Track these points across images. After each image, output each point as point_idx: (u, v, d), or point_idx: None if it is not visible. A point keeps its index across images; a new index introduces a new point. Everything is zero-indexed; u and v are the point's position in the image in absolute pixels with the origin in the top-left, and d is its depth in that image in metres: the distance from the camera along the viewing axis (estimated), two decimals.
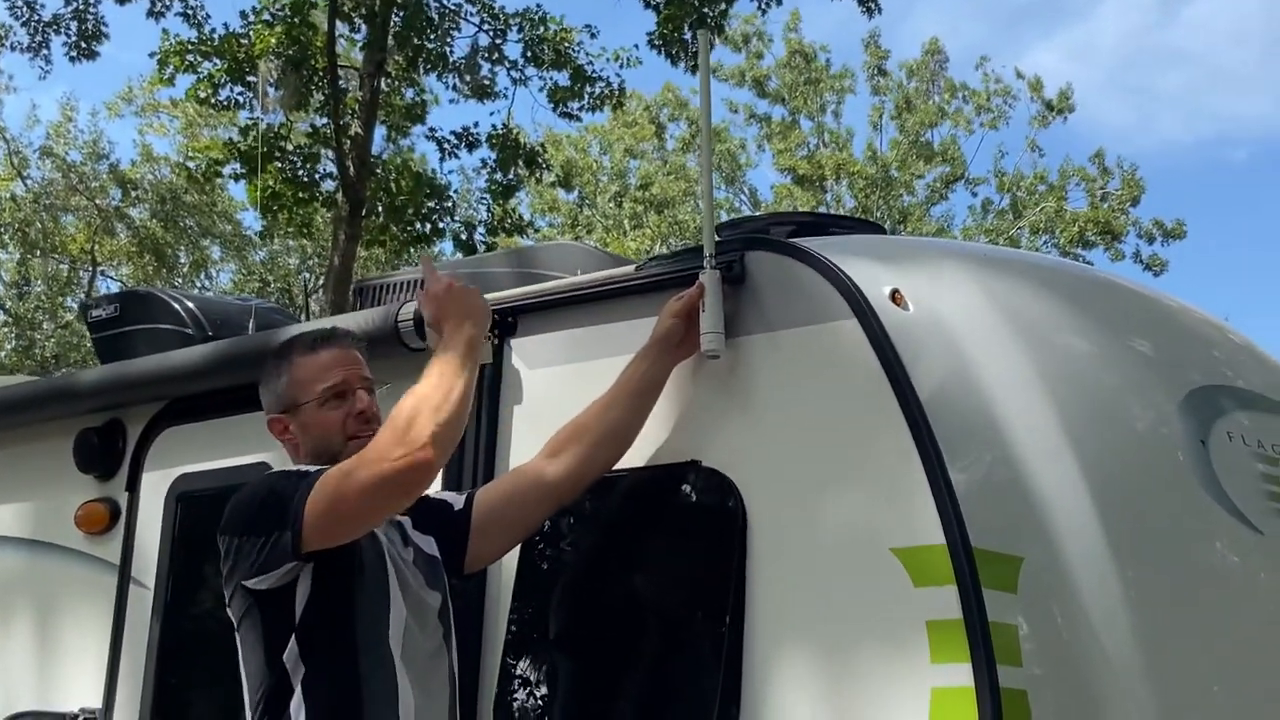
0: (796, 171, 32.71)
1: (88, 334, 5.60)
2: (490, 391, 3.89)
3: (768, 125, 33.61)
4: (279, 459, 4.28)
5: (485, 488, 3.63)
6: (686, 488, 3.50)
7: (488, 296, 3.96)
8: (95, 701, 4.70)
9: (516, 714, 3.59)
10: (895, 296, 3.31)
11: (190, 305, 5.40)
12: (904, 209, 32.56)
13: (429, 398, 3.14)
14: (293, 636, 3.16)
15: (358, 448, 3.22)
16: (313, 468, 3.26)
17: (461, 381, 3.21)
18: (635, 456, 3.54)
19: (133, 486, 4.84)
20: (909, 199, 33.05)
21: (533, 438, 3.73)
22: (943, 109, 33.01)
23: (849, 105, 34.71)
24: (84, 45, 17.78)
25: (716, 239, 3.54)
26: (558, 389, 3.80)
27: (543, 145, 20.89)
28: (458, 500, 3.54)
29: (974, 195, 33.44)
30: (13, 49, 18.07)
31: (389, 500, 3.15)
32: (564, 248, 5.02)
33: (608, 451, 3.51)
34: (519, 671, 3.63)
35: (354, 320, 4.07)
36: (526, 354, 3.90)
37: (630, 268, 3.85)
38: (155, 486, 4.76)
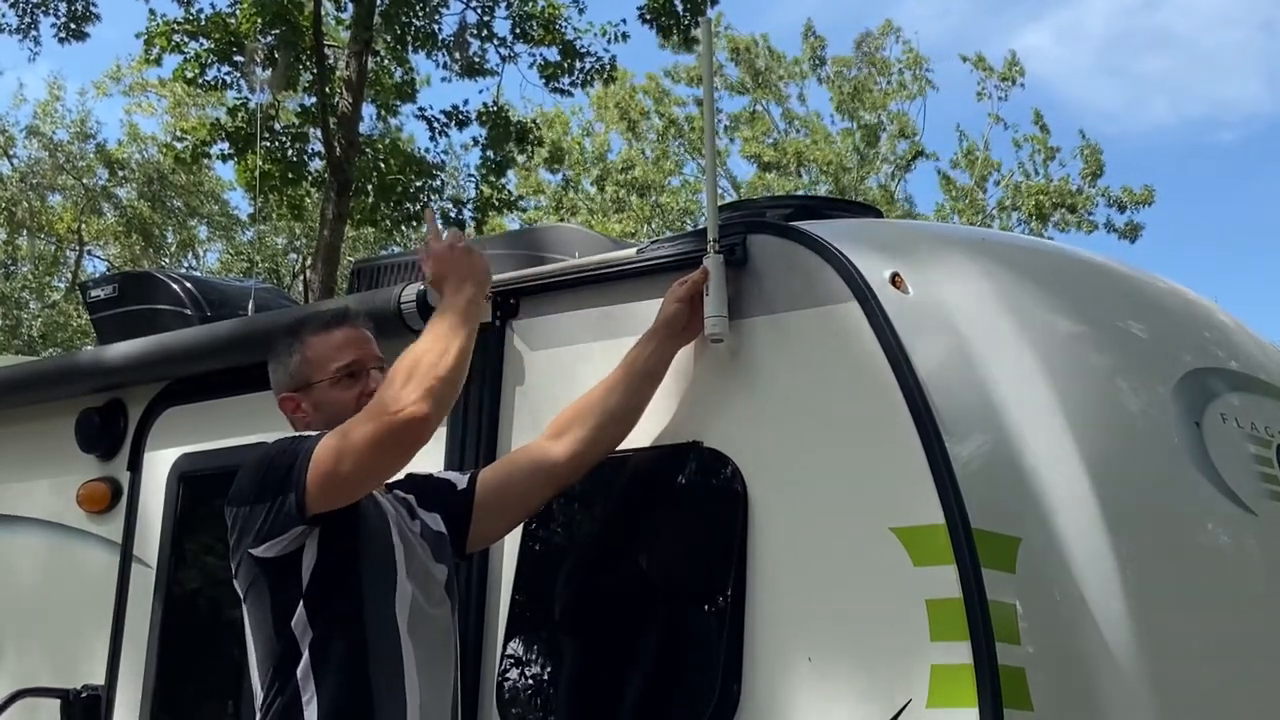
0: (762, 159, 32.68)
1: (74, 314, 5.63)
2: (491, 373, 3.91)
3: (732, 117, 33.60)
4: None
5: (488, 468, 3.65)
6: (688, 468, 3.53)
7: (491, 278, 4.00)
8: (98, 678, 4.73)
9: (518, 693, 3.62)
10: (895, 280, 3.34)
11: (189, 286, 5.43)
12: (875, 191, 32.51)
13: (426, 354, 3.18)
14: (300, 603, 3.19)
15: None
16: (314, 432, 3.29)
17: (459, 339, 3.24)
18: (637, 437, 3.56)
19: (134, 466, 4.87)
20: (876, 180, 33.00)
21: (533, 419, 3.77)
22: (885, 92, 32.95)
23: (813, 90, 34.58)
24: (73, 26, 17.72)
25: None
26: (559, 371, 3.83)
27: (535, 122, 20.83)
28: (461, 480, 3.57)
29: (938, 173, 33.45)
30: (1, 30, 17.99)
31: (388, 456, 3.18)
32: (561, 230, 5.04)
33: (611, 434, 3.53)
34: (521, 651, 3.66)
35: (356, 301, 4.10)
36: (528, 336, 3.92)
37: (632, 250, 3.88)
38: (157, 466, 4.78)
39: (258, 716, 3.23)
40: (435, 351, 3.19)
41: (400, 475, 3.45)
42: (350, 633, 3.20)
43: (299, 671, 3.17)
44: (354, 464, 3.12)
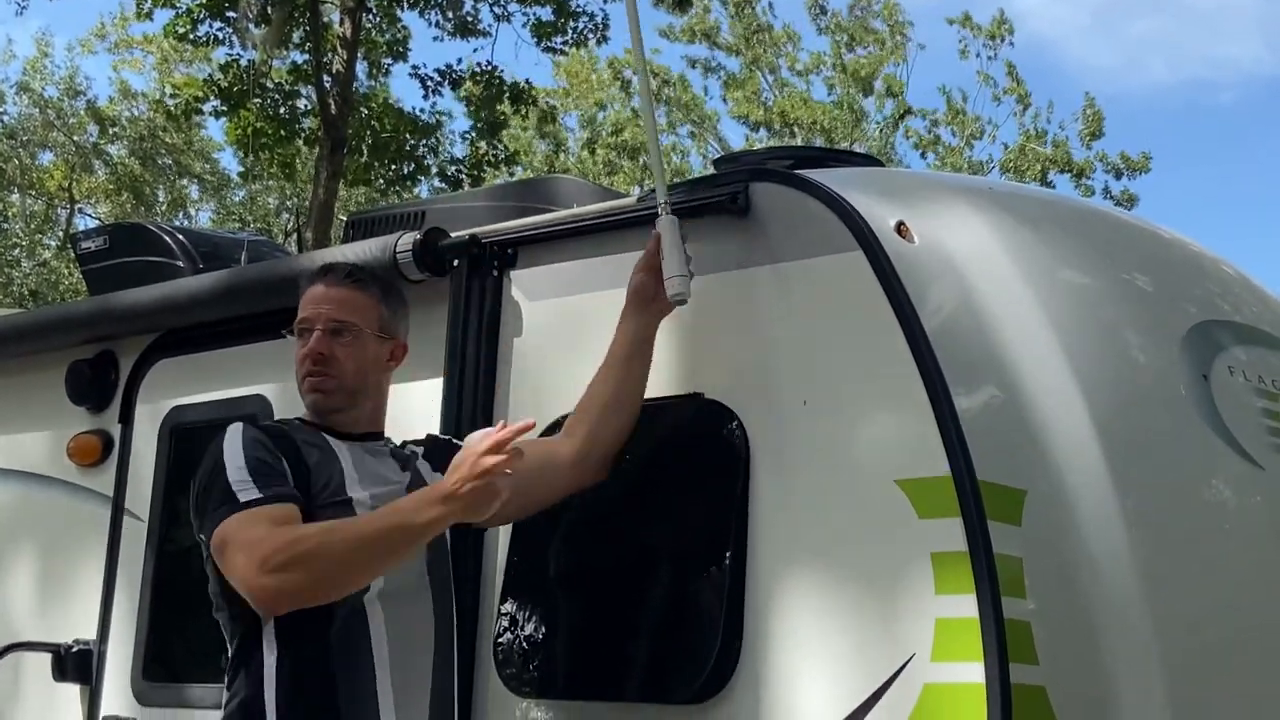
0: (750, 119, 32.59)
1: (66, 272, 5.56)
2: (489, 324, 3.86)
3: (725, 75, 33.47)
4: (274, 391, 4.27)
5: None
6: (690, 421, 3.47)
7: (489, 228, 3.94)
8: (89, 633, 4.70)
9: (516, 650, 3.58)
10: (901, 229, 3.29)
11: (180, 237, 5.36)
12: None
13: (340, 545, 3.02)
14: None
15: (309, 387, 3.29)
16: (248, 476, 3.11)
17: (388, 558, 3.09)
18: None
19: (126, 418, 4.81)
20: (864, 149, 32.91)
21: (531, 371, 3.75)
22: (876, 56, 32.85)
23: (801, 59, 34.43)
24: None
25: (715, 172, 3.52)
26: (557, 321, 3.79)
27: (529, 81, 20.71)
28: None
29: (927, 131, 33.28)
30: None
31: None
32: (559, 181, 4.98)
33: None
34: (519, 607, 3.62)
35: (352, 251, 4.04)
36: (526, 286, 3.86)
37: (632, 199, 3.82)
38: (149, 418, 4.73)
39: (225, 681, 3.21)
40: (350, 549, 3.02)
41: (421, 435, 3.48)
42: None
43: (264, 640, 3.13)
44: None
